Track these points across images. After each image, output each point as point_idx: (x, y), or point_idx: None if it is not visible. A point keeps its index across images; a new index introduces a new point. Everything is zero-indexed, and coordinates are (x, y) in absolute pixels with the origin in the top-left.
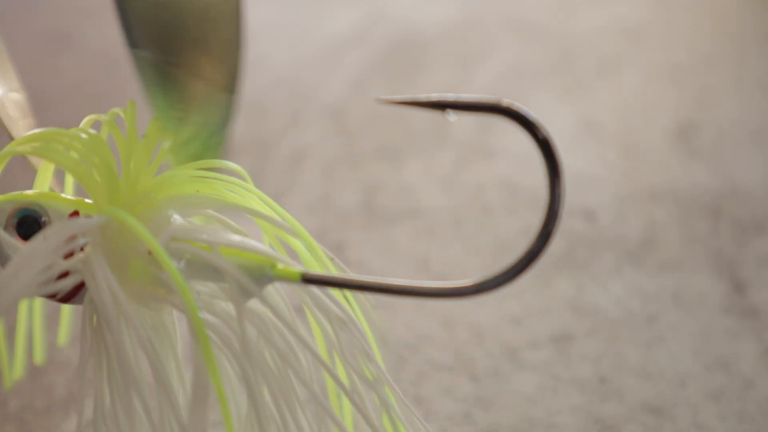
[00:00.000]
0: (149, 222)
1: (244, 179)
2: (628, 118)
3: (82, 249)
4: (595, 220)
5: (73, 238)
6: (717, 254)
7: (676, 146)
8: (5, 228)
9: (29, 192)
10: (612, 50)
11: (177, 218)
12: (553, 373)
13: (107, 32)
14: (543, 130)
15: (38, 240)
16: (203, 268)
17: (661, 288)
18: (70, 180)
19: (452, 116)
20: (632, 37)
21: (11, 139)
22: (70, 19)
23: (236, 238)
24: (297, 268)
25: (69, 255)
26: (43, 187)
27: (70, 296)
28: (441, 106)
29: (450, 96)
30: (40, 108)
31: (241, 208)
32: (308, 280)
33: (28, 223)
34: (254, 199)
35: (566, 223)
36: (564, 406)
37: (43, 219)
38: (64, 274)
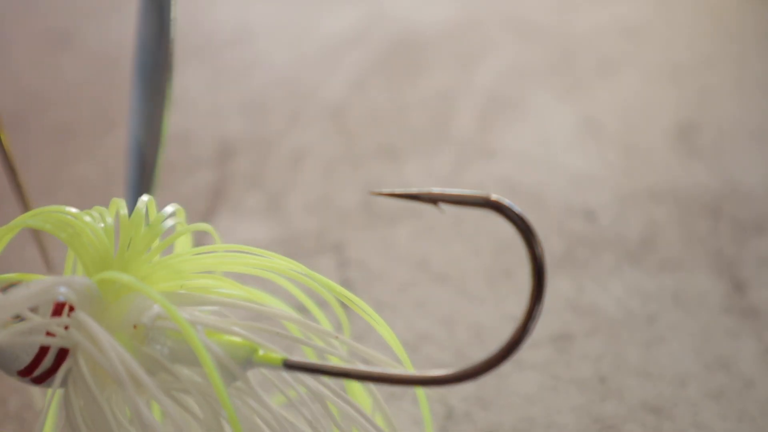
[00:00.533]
0: (134, 302)
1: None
2: (628, 118)
3: (68, 315)
4: (595, 220)
5: (58, 293)
6: (717, 254)
7: (676, 146)
8: None
9: (21, 274)
10: (612, 50)
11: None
12: (553, 372)
13: (107, 33)
14: (529, 224)
15: (23, 285)
16: (187, 351)
17: (661, 288)
18: (70, 260)
19: (443, 209)
20: (632, 37)
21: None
22: (70, 19)
23: (219, 323)
24: (279, 354)
25: (55, 314)
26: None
27: (50, 372)
28: (433, 200)
29: (441, 190)
30: (41, 108)
31: (223, 302)
32: (290, 366)
33: None
34: (246, 290)
35: (566, 222)
36: (564, 406)
37: None
38: (50, 335)
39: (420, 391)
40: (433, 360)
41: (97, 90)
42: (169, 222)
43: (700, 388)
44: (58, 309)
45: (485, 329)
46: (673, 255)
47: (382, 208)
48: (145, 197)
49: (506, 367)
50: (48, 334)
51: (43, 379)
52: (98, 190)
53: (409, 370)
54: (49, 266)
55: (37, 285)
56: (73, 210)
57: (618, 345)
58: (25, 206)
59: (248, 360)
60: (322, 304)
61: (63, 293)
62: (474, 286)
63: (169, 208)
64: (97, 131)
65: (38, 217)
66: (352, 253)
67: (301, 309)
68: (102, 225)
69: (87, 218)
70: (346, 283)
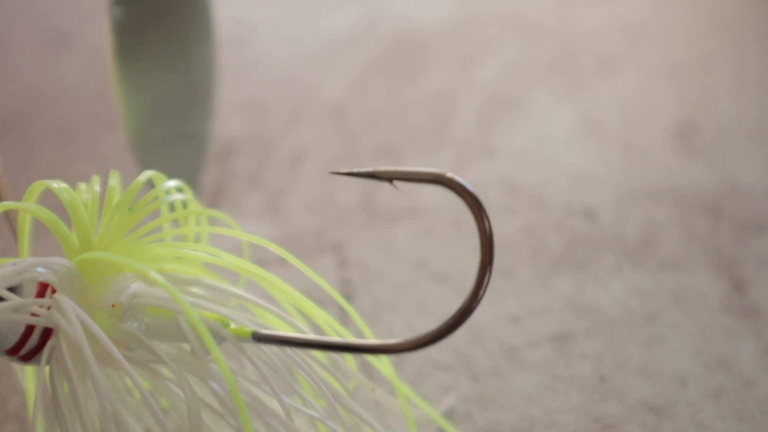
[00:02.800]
0: (113, 282)
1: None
2: (628, 117)
3: (50, 297)
4: (595, 220)
5: (38, 274)
6: (717, 253)
7: (676, 145)
8: None
9: (4, 258)
10: (612, 49)
11: (138, 283)
12: (552, 372)
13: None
14: (480, 202)
15: (4, 264)
16: (162, 327)
17: (661, 287)
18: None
19: (398, 186)
20: (632, 37)
21: None
22: (70, 19)
23: (190, 299)
24: (249, 328)
25: (39, 295)
26: (24, 247)
27: (36, 350)
28: (389, 177)
29: (396, 168)
30: (40, 107)
31: (198, 284)
32: (259, 338)
33: None
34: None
35: (566, 222)
36: (564, 406)
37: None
38: (34, 316)
39: (385, 359)
40: (432, 359)
41: (98, 89)
42: (168, 199)
43: (700, 387)
44: (42, 290)
45: (484, 328)
46: (673, 254)
47: (381, 208)
48: (142, 176)
49: (506, 367)
50: (32, 314)
51: (30, 357)
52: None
53: (369, 340)
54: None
55: (16, 265)
56: (55, 185)
57: (618, 344)
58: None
59: (219, 334)
60: (321, 303)
61: (42, 274)
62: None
63: (162, 187)
64: (97, 131)
65: (24, 204)
66: (352, 253)
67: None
68: (85, 197)
69: (66, 195)
70: (345, 283)
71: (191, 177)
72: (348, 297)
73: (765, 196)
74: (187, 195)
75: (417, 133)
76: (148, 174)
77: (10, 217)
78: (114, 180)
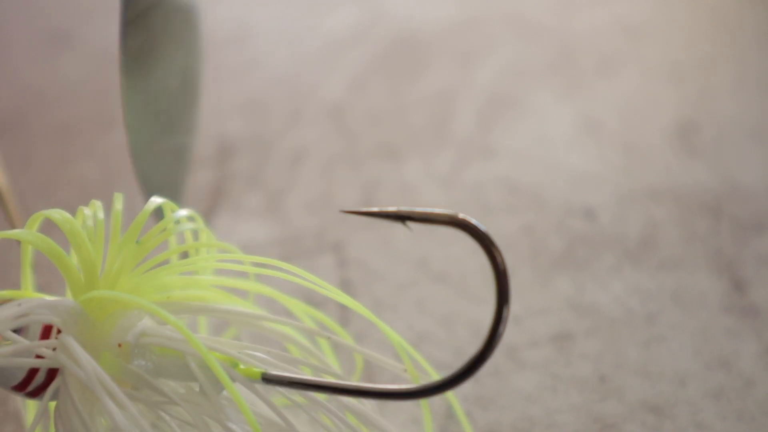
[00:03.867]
0: (120, 319)
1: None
2: (627, 117)
3: (56, 337)
4: (595, 219)
5: (40, 315)
6: (717, 253)
7: (676, 145)
8: None
9: (8, 291)
10: (612, 49)
11: (146, 320)
12: (552, 372)
13: (107, 31)
14: (494, 243)
15: (7, 305)
16: (170, 366)
17: (661, 287)
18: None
19: (410, 227)
20: (632, 36)
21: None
22: (71, 18)
23: (201, 337)
24: (258, 368)
25: (43, 339)
26: (27, 280)
27: (43, 387)
28: (401, 218)
29: (409, 209)
30: (41, 107)
31: (209, 311)
32: (268, 380)
33: None
34: (231, 298)
35: (566, 221)
36: (564, 405)
37: None
38: (38, 357)
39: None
40: (432, 359)
41: (98, 89)
42: (179, 227)
43: (700, 387)
44: (47, 330)
45: (485, 328)
46: (672, 254)
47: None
48: (149, 205)
49: (506, 367)
50: (37, 356)
51: (37, 393)
52: (98, 189)
53: (380, 385)
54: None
55: (21, 306)
56: (57, 215)
57: (618, 344)
58: (8, 215)
59: (229, 375)
60: (321, 305)
61: (46, 315)
62: (474, 285)
63: (176, 216)
64: (97, 130)
65: (26, 233)
66: (352, 253)
67: (290, 315)
68: (92, 226)
69: (68, 227)
70: (345, 283)
71: (177, 192)
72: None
73: (765, 196)
74: (198, 224)
75: (417, 132)
76: (155, 203)
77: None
78: (119, 204)
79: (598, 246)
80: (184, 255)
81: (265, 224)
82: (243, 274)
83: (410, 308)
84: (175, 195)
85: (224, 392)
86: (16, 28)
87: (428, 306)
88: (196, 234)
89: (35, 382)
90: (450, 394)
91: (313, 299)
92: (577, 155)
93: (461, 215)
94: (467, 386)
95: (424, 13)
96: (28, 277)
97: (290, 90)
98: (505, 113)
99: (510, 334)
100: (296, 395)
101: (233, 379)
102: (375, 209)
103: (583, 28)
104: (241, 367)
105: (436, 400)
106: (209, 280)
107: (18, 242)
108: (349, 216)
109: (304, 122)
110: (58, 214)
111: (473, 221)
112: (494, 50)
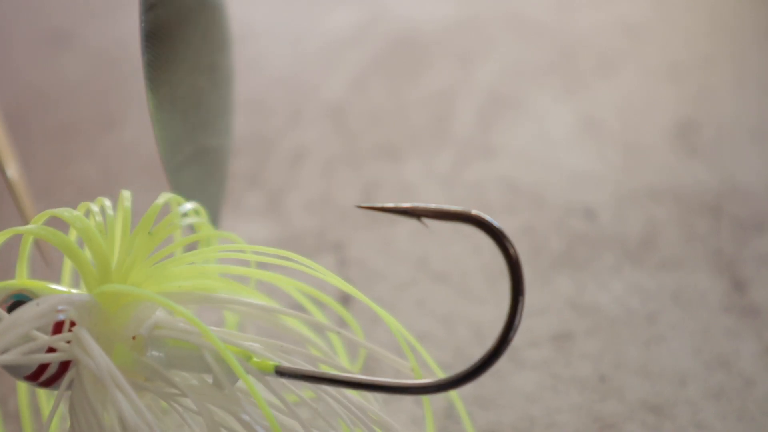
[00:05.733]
0: (134, 311)
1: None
2: (627, 117)
3: (69, 330)
4: (595, 219)
5: (59, 312)
6: (717, 253)
7: (676, 144)
8: None
9: (23, 280)
10: (612, 49)
11: (160, 312)
12: (552, 371)
13: (108, 31)
14: (507, 237)
15: (28, 306)
16: (183, 358)
17: (661, 287)
18: (67, 269)
19: (427, 223)
20: (632, 36)
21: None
22: (71, 18)
23: (215, 330)
24: (271, 361)
25: (56, 331)
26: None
27: (54, 378)
28: (417, 214)
29: (425, 205)
30: (42, 106)
31: (220, 302)
32: (281, 373)
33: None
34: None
35: (566, 221)
36: (564, 405)
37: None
38: (51, 350)
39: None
40: (433, 359)
41: (98, 88)
42: (186, 221)
43: (700, 387)
44: (59, 323)
45: (485, 328)
46: (673, 254)
47: None
48: (160, 199)
49: (506, 367)
50: (50, 348)
51: (49, 384)
52: (99, 188)
53: (392, 379)
54: (47, 261)
55: (39, 306)
56: (67, 214)
57: (618, 344)
58: (21, 211)
59: (243, 368)
60: (321, 304)
61: (64, 312)
62: (474, 285)
63: (183, 209)
64: (98, 130)
65: (39, 229)
66: (352, 253)
67: (301, 307)
68: (100, 220)
69: (79, 224)
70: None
71: (216, 198)
72: (348, 297)
73: (765, 196)
74: (202, 217)
75: (417, 132)
76: (166, 197)
77: (39, 242)
78: (127, 201)
79: (598, 246)
80: (191, 247)
81: (266, 224)
82: (250, 265)
83: (410, 308)
84: (213, 205)
85: (237, 384)
86: (17, 28)
87: (428, 306)
88: (201, 227)
89: (47, 373)
90: (454, 393)
91: (314, 298)
92: (577, 155)
93: (474, 211)
94: (467, 386)
95: (425, 13)
96: (23, 269)
97: (291, 90)
98: (505, 113)
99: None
100: (308, 390)
101: (247, 372)
102: (390, 205)
103: (583, 28)
104: (255, 360)
105: (437, 400)
106: (218, 268)
107: (15, 237)
108: (349, 215)
109: (304, 122)
110: (67, 212)
111: (487, 217)
112: (494, 50)
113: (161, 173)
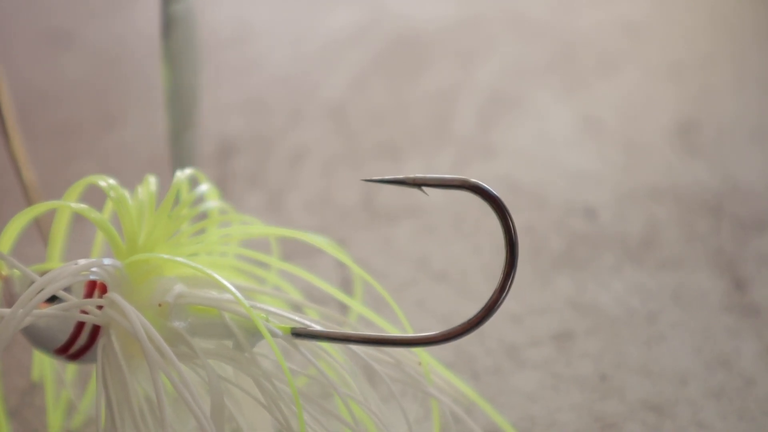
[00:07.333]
0: (157, 283)
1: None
2: (628, 116)
3: (100, 296)
4: (595, 218)
5: (94, 272)
6: (717, 252)
7: (676, 144)
8: None
9: (54, 264)
10: (612, 48)
11: (180, 285)
12: (553, 371)
13: (108, 30)
14: (502, 201)
15: (63, 266)
16: (205, 325)
17: (662, 286)
18: (98, 243)
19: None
20: (632, 35)
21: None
22: (71, 17)
23: (231, 297)
24: (287, 324)
25: (87, 295)
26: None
27: (84, 349)
28: (417, 184)
29: (424, 175)
30: (42, 106)
31: (230, 287)
32: (297, 334)
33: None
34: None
35: (566, 221)
36: (564, 404)
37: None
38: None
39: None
40: (434, 357)
41: (99, 88)
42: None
43: (701, 386)
44: (90, 290)
45: (485, 327)
46: (673, 253)
47: (382, 207)
48: (181, 175)
49: (507, 366)
50: (82, 312)
51: (78, 356)
52: (98, 188)
53: (406, 334)
54: (47, 241)
55: (72, 267)
56: (103, 183)
57: (618, 343)
58: (29, 198)
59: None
60: (322, 301)
61: (96, 273)
62: (474, 284)
63: (201, 190)
64: (98, 129)
65: (76, 205)
66: (353, 252)
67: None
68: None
69: (114, 194)
70: (346, 283)
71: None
72: (348, 296)
73: (765, 195)
74: (219, 200)
75: (418, 131)
76: (185, 174)
77: (40, 222)
78: (152, 182)
79: (599, 245)
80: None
81: (266, 223)
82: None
83: (410, 307)
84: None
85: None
86: (18, 28)
87: (428, 305)
88: (218, 209)
89: (78, 344)
90: (456, 394)
91: (314, 295)
92: (578, 154)
93: (473, 179)
94: (468, 385)
95: (425, 12)
96: (56, 246)
97: (291, 89)
98: (505, 112)
99: (510, 333)
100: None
101: (262, 336)
102: (391, 177)
103: (584, 27)
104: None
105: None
106: (233, 249)
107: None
108: (350, 215)
109: (304, 121)
110: (104, 181)
111: (484, 185)
112: (495, 49)
113: (162, 172)
